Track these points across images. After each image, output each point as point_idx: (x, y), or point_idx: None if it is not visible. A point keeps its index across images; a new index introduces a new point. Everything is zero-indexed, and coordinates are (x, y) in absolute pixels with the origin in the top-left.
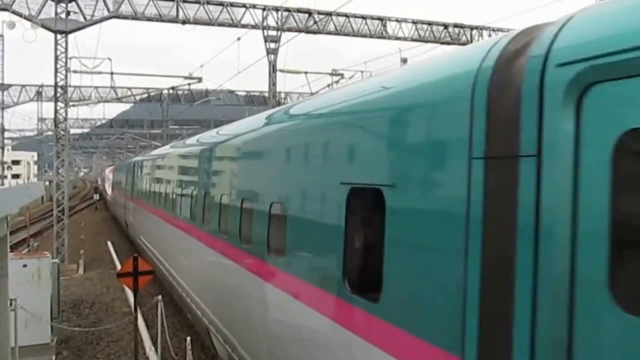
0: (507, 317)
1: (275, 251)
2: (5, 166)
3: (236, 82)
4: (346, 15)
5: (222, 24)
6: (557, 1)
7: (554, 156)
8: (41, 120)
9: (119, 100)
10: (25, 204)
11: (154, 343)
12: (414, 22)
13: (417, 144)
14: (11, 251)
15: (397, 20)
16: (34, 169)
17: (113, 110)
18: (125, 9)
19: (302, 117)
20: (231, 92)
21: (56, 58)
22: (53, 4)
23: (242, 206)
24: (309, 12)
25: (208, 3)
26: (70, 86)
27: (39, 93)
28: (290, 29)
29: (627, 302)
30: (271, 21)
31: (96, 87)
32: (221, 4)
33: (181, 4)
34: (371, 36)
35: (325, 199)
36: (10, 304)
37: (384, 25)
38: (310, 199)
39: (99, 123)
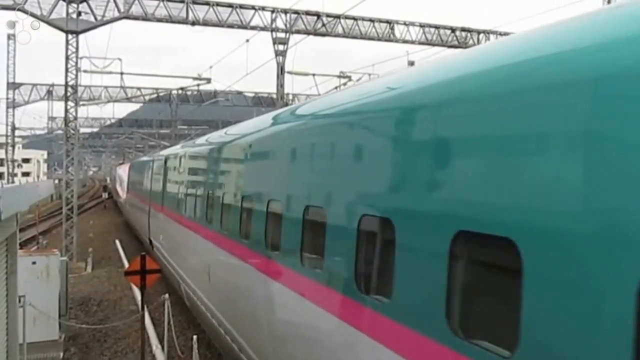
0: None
1: None
2: (16, 164)
3: (244, 83)
4: (354, 18)
5: (231, 26)
6: (564, 6)
7: None
8: (51, 119)
9: (128, 100)
10: (35, 202)
11: (161, 341)
12: (422, 26)
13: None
14: (20, 248)
15: (404, 24)
16: (44, 167)
17: (122, 110)
18: (135, 9)
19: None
20: (239, 93)
21: (67, 58)
22: (64, 4)
23: None
24: (318, 15)
25: (217, 5)
26: (80, 86)
27: (49, 92)
28: (298, 31)
29: None
30: (280, 23)
31: (106, 87)
32: (230, 6)
33: (191, 5)
34: (379, 39)
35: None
36: (19, 301)
37: (392, 29)
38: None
39: (108, 122)
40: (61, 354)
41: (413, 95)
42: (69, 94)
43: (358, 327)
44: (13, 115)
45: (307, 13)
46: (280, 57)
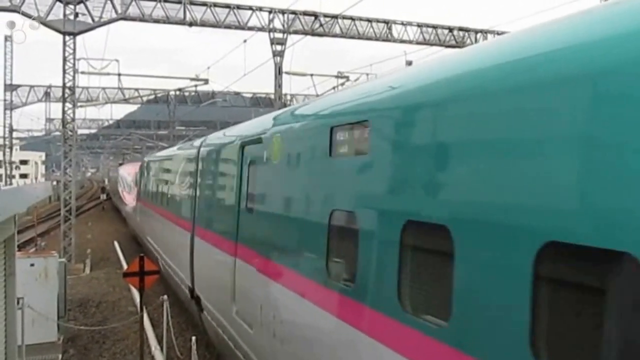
0: None
1: None
2: (14, 166)
3: (242, 84)
4: (352, 18)
5: (228, 27)
6: (561, 5)
7: None
8: (49, 120)
9: (126, 101)
10: (33, 203)
11: (160, 342)
12: (419, 25)
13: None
14: (19, 250)
15: (402, 24)
16: (42, 168)
17: (120, 111)
18: (132, 11)
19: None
20: (237, 93)
21: (64, 59)
22: (61, 5)
23: None
24: (315, 15)
25: (215, 5)
26: (78, 87)
27: (47, 94)
28: (296, 32)
29: None
30: (277, 24)
31: (104, 88)
32: (228, 7)
33: (188, 6)
34: (377, 39)
35: None
36: (18, 303)
37: (389, 28)
38: None
39: (106, 124)
40: (60, 356)
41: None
42: (66, 95)
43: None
44: (11, 117)
45: (305, 13)
46: (278, 58)
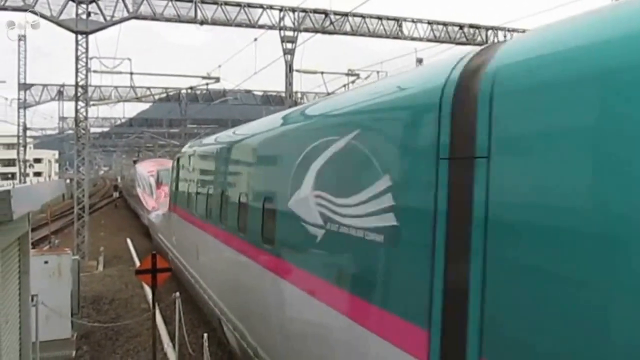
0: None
1: None
2: (27, 164)
3: (253, 82)
4: (362, 16)
5: (239, 25)
6: (571, 2)
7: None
8: (62, 119)
9: (138, 99)
10: (46, 201)
11: (172, 339)
12: (430, 23)
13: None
14: (33, 248)
15: (412, 21)
16: (56, 167)
17: (133, 110)
18: (144, 9)
19: None
20: (248, 92)
21: (77, 58)
22: (74, 4)
23: None
24: (325, 13)
25: (226, 4)
26: (90, 86)
27: (60, 92)
28: (306, 30)
29: None
30: (288, 22)
31: (116, 87)
32: (238, 5)
33: (199, 4)
34: (387, 37)
35: None
36: (32, 300)
37: (400, 26)
38: None
39: (118, 122)
40: (74, 352)
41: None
42: (79, 94)
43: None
44: (24, 115)
45: (315, 11)
46: (289, 56)
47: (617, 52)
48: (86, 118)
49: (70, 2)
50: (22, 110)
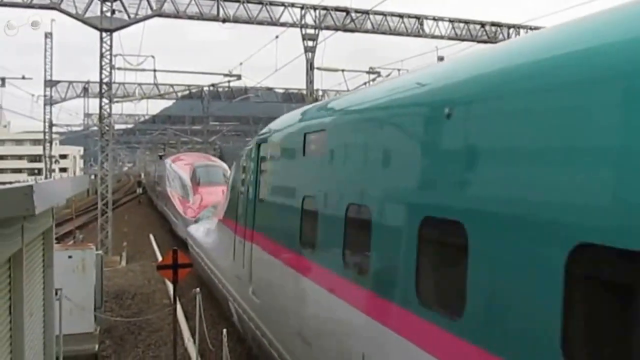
0: None
1: None
2: (53, 160)
3: (274, 79)
4: (383, 14)
5: (261, 22)
6: (589, 1)
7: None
8: (87, 115)
9: (161, 96)
10: (69, 196)
11: (193, 334)
12: (451, 21)
13: None
14: (58, 242)
15: (433, 19)
16: (81, 163)
17: (156, 107)
18: (167, 7)
19: None
20: (269, 89)
21: (101, 55)
22: (99, 2)
23: None
24: (347, 11)
25: (248, 2)
26: (114, 83)
27: (85, 89)
28: (327, 27)
29: None
30: (309, 19)
31: (140, 84)
32: (260, 3)
33: (222, 2)
34: (408, 34)
35: None
36: (56, 294)
37: (421, 24)
38: None
39: (142, 119)
40: (96, 346)
41: None
42: (103, 91)
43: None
44: (50, 112)
45: (336, 9)
46: (310, 53)
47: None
48: (110, 115)
49: (95, 0)
50: (48, 107)
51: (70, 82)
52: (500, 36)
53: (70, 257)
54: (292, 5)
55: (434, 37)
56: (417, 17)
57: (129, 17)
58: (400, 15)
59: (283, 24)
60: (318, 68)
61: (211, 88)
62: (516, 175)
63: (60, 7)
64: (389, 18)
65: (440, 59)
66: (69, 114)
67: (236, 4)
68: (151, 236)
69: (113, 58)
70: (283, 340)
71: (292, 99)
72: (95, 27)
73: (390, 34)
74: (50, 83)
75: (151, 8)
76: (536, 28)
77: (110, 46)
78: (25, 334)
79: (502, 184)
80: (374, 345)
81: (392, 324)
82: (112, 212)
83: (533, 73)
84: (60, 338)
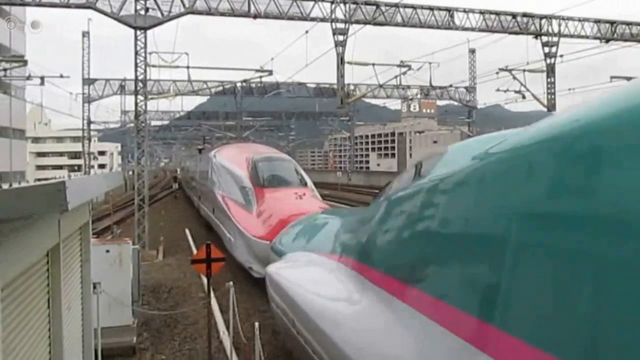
0: None
1: None
2: (92, 156)
3: (305, 74)
4: (413, 7)
5: (291, 18)
6: None
7: None
8: (124, 112)
9: (195, 93)
10: (103, 192)
11: (228, 327)
12: (482, 12)
13: None
14: (96, 237)
15: (464, 11)
16: (118, 159)
17: (191, 103)
18: (199, 4)
19: None
20: (301, 84)
21: (136, 53)
22: (133, 1)
23: None
24: (377, 4)
25: None
26: (149, 80)
27: (122, 87)
28: (357, 21)
29: None
30: (339, 13)
31: (174, 81)
32: None
33: None
34: (438, 27)
35: None
36: (94, 288)
37: (451, 16)
38: None
39: (177, 115)
40: (134, 339)
41: None
42: (138, 88)
43: None
44: (89, 109)
45: (366, 3)
46: (340, 48)
47: None
48: (145, 111)
49: None
50: (86, 105)
51: (107, 80)
52: (532, 27)
53: (107, 251)
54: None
55: (464, 29)
56: (448, 10)
57: (162, 14)
58: (431, 8)
59: (313, 19)
60: (349, 62)
61: (244, 84)
62: None
63: (95, 6)
64: (419, 11)
65: (472, 51)
66: (106, 111)
67: (267, 0)
68: (187, 230)
69: (148, 55)
70: None
71: (323, 93)
72: (130, 25)
73: (421, 26)
74: (87, 81)
75: (184, 5)
76: (569, 18)
77: (145, 44)
78: (64, 327)
79: None
80: None
81: None
82: (149, 207)
83: None
84: (98, 331)
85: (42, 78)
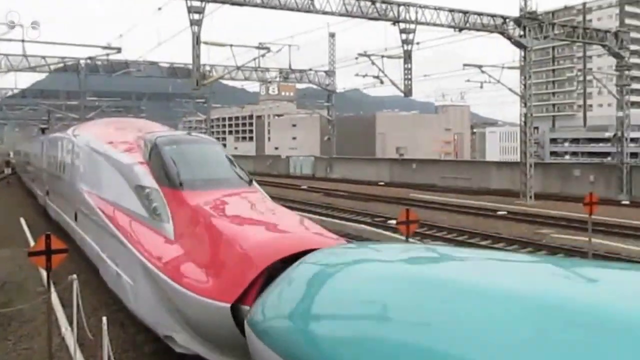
0: None
1: None
2: None
3: (158, 54)
4: None
5: None
6: None
7: None
8: None
9: (32, 69)
10: None
11: (71, 323)
12: None
13: None
14: None
15: None
16: None
17: (26, 80)
18: None
19: None
20: (153, 63)
21: None
22: None
23: None
24: None
25: None
26: None
27: None
28: (214, 0)
29: None
30: None
31: (6, 55)
32: None
33: None
34: (298, 10)
35: None
36: None
37: (312, 0)
38: None
39: (10, 93)
40: None
41: None
42: None
43: None
44: None
45: None
46: (196, 27)
47: None
48: None
49: None
50: None
51: None
52: (391, 14)
53: None
54: None
55: (324, 13)
56: None
57: None
58: None
59: None
60: (205, 42)
61: (88, 61)
62: None
63: None
64: None
65: (332, 35)
66: None
67: None
68: (22, 220)
69: None
70: None
71: (177, 74)
72: None
73: (280, 8)
74: None
75: None
76: (425, 7)
77: None
78: None
79: None
80: None
81: None
82: None
83: None
84: None
85: None
